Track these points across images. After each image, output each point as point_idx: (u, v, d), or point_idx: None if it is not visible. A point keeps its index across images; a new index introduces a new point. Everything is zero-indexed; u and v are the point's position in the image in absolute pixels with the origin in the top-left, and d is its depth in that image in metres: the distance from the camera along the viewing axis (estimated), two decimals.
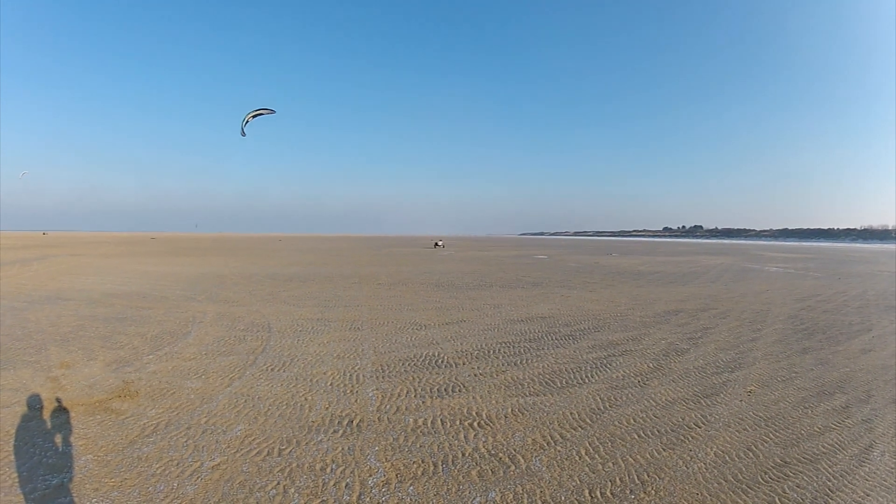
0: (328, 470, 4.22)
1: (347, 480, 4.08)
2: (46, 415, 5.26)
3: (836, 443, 5.41)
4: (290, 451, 4.50)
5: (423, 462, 4.40)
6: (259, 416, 5.32)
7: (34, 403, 5.54)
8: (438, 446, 4.73)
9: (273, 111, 25.73)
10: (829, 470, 4.80)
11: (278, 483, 4.00)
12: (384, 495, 3.90)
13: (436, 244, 68.15)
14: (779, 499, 4.24)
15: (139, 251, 41.33)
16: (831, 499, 4.30)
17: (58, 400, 5.61)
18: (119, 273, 21.01)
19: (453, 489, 4.01)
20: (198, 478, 4.05)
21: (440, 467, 4.33)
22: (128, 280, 18.23)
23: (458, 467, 4.34)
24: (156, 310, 11.72)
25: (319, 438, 4.77)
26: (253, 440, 4.70)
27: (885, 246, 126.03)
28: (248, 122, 24.54)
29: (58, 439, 4.69)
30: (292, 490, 3.92)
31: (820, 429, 5.79)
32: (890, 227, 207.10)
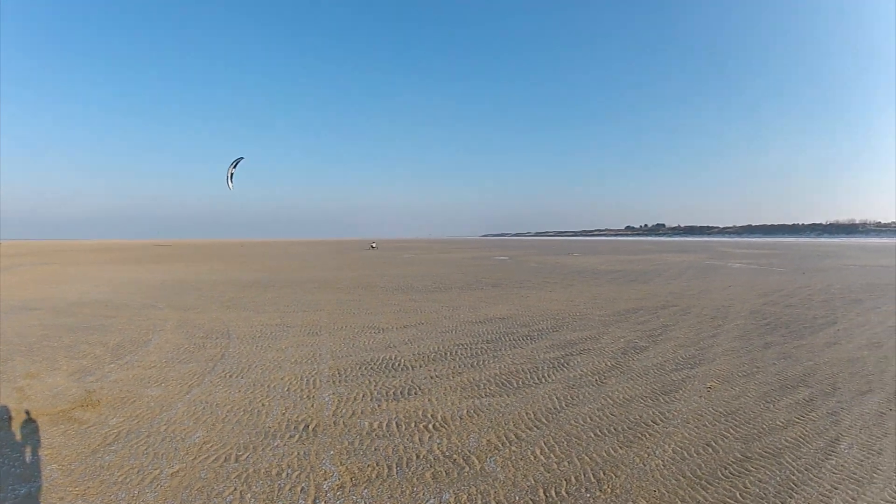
0: (284, 475, 4.02)
1: (303, 485, 3.88)
2: (14, 426, 5.11)
3: (801, 436, 5.16)
4: (247, 456, 4.31)
5: (377, 465, 4.19)
6: (217, 422, 5.14)
7: (1, 414, 5.39)
8: (393, 449, 4.53)
9: (241, 158, 28.19)
10: (793, 464, 4.55)
11: (235, 489, 3.81)
12: (339, 499, 3.70)
13: (371, 246, 69.86)
14: (740, 494, 4.02)
15: (104, 259, 40.38)
16: (796, 492, 4.08)
17: (26, 412, 5.45)
18: (84, 281, 20.53)
19: (407, 492, 3.80)
20: (157, 485, 3.87)
21: (395, 470, 4.12)
22: (92, 288, 17.79)
23: (412, 470, 4.13)
24: (118, 318, 11.43)
25: (276, 444, 4.57)
26: (211, 447, 4.51)
27: (852, 240, 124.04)
28: (231, 174, 25.45)
29: (25, 449, 4.54)
30: (249, 496, 3.72)
31: (783, 423, 5.54)
32: (857, 222, 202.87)
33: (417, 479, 4.01)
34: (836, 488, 4.19)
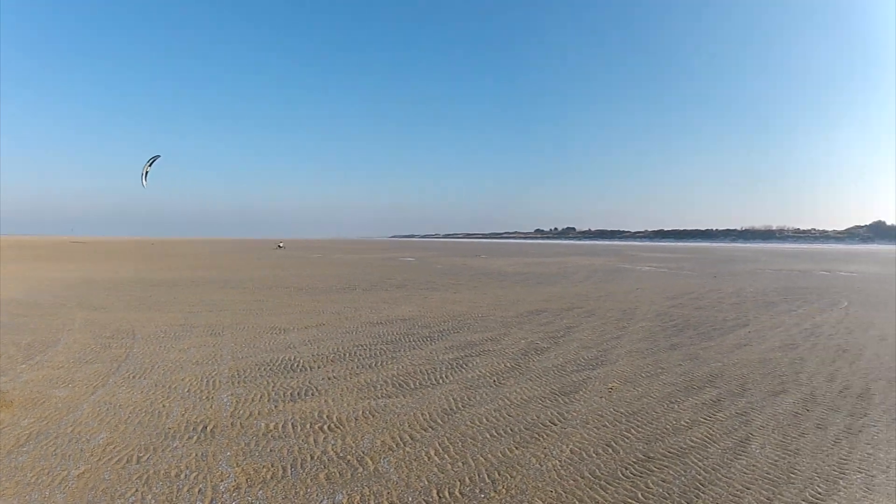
0: (182, 476, 4.06)
1: (200, 486, 3.91)
2: None
3: (707, 437, 5.16)
4: (148, 457, 4.35)
5: (272, 466, 4.21)
6: (120, 423, 5.18)
7: None
8: (289, 450, 4.55)
9: (158, 156, 28.72)
10: (700, 464, 4.54)
11: (137, 490, 3.85)
12: (234, 500, 3.73)
13: (278, 246, 71.45)
14: (642, 494, 4.00)
15: (18, 256, 39.76)
16: (704, 492, 4.05)
17: None
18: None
19: (301, 492, 3.83)
20: (66, 486, 3.93)
21: (289, 471, 4.14)
22: (4, 287, 17.59)
23: (306, 470, 4.15)
24: (30, 317, 11.42)
25: (175, 445, 4.61)
26: (114, 448, 4.55)
27: (768, 245, 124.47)
28: (146, 172, 25.51)
29: None
30: (150, 497, 3.77)
31: (687, 423, 5.53)
32: (774, 228, 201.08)
33: (311, 480, 4.03)
34: (748, 489, 4.17)
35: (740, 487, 4.17)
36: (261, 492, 3.86)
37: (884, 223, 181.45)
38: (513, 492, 3.92)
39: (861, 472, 4.61)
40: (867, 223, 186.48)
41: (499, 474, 4.20)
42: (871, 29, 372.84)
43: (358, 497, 3.80)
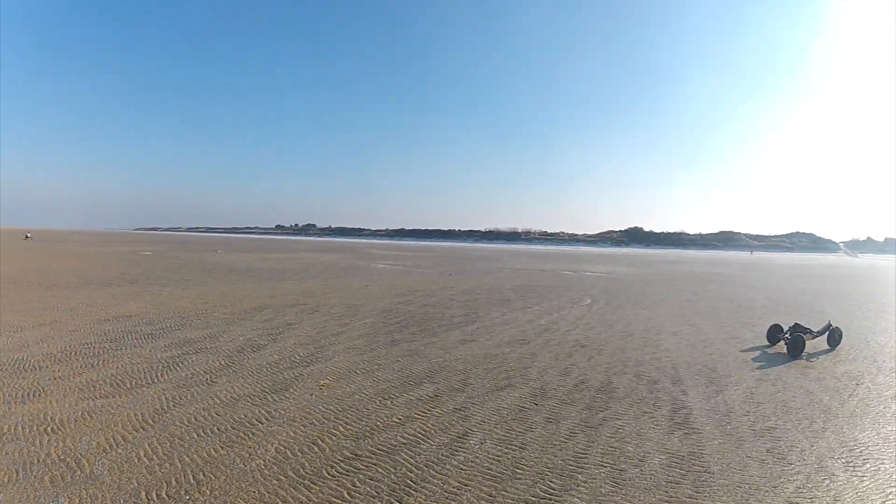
0: None
1: None
2: None
3: (421, 433, 5.40)
4: None
5: (7, 469, 4.58)
6: None
7: None
8: (20, 453, 4.89)
9: None
10: (411, 461, 4.73)
11: None
12: None
13: (26, 236, 69.96)
14: (348, 493, 4.17)
15: None
16: (416, 490, 4.23)
17: None
18: None
19: (31, 496, 4.17)
20: None
21: (20, 474, 4.51)
22: None
23: (34, 473, 4.51)
24: None
25: None
26: None
27: (511, 246, 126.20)
28: None
29: None
30: None
31: (400, 419, 5.77)
32: (520, 230, 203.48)
33: (39, 482, 4.38)
34: (466, 486, 4.28)
35: (457, 485, 4.30)
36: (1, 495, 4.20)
37: (641, 229, 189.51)
38: (216, 493, 4.21)
39: (605, 466, 4.75)
40: (623, 228, 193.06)
41: (203, 475, 4.49)
42: (637, 48, 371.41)
43: (77, 500, 4.13)
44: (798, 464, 5.14)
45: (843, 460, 5.30)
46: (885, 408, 7.16)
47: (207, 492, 4.24)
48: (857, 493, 4.62)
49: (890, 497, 4.57)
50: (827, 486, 4.73)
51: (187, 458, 4.79)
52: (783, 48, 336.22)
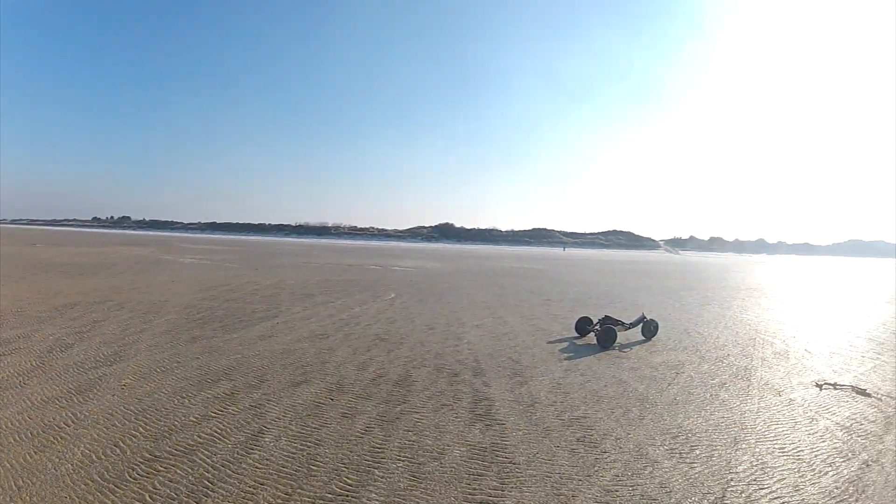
0: None
1: None
2: None
3: (217, 432, 5.60)
4: None
5: None
6: None
7: None
8: None
9: None
10: (208, 461, 4.85)
11: None
12: None
13: None
14: (149, 496, 4.26)
15: None
16: (213, 491, 4.34)
17: None
18: None
19: None
20: None
21: None
22: None
23: None
24: None
25: None
26: None
27: (322, 241, 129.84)
28: None
29: None
30: None
31: (197, 418, 5.94)
32: (329, 224, 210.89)
33: None
34: (262, 485, 4.40)
35: (253, 484, 4.41)
36: None
37: (452, 225, 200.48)
38: (35, 499, 4.24)
39: (403, 461, 4.93)
40: (433, 224, 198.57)
41: (23, 481, 4.50)
42: (462, 50, 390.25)
43: None
44: (614, 452, 5.30)
45: (665, 447, 5.47)
46: (711, 395, 7.28)
47: (27, 497, 4.27)
48: (687, 479, 4.78)
49: (731, 483, 4.73)
50: (650, 472, 4.88)
51: (7, 464, 4.82)
52: (611, 56, 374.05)
